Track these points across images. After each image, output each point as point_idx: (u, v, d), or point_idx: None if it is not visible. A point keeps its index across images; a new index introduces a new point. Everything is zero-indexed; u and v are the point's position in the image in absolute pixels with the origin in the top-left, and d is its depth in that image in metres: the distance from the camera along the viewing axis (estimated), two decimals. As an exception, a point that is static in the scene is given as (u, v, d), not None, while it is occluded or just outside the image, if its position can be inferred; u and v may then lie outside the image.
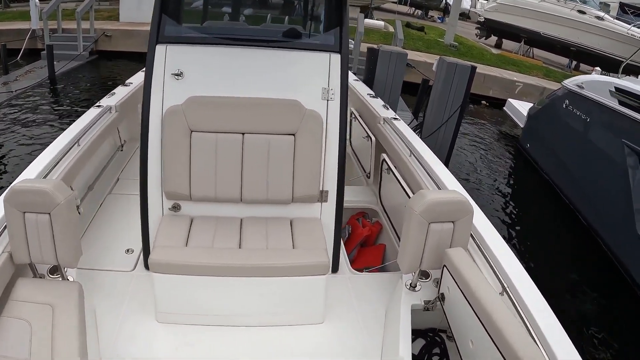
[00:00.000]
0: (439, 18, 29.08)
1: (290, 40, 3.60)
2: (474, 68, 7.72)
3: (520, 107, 11.66)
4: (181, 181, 3.29)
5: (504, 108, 12.48)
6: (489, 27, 22.10)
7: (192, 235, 3.19)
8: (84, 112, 4.58)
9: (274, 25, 5.30)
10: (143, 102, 3.29)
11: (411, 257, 2.85)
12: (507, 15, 20.33)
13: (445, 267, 2.79)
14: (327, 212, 3.55)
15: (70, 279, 2.91)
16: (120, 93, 5.24)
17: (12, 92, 10.36)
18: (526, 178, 9.86)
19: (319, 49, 3.47)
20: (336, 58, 3.45)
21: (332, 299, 3.27)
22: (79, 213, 3.97)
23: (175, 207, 3.41)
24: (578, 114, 8.24)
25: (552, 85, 14.96)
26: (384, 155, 4.47)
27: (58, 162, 3.50)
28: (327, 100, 3.44)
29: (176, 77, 3.31)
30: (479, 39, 22.45)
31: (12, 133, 8.61)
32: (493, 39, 22.31)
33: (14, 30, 13.95)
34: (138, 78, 5.78)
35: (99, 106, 4.73)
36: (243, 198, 3.37)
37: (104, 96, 5.10)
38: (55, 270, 2.90)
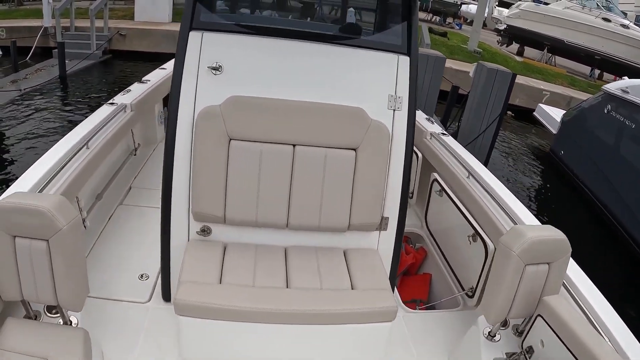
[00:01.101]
0: (456, 25, 28.58)
1: (352, 36, 3.04)
2: (514, 75, 7.20)
3: (552, 112, 11.14)
4: (214, 200, 2.71)
5: (534, 113, 11.95)
6: (510, 34, 21.52)
7: (227, 267, 2.61)
8: (93, 112, 4.07)
9: (332, 18, 4.75)
10: (170, 100, 2.71)
11: (502, 305, 2.38)
12: (530, 22, 19.79)
13: (540, 317, 2.35)
14: (385, 242, 3.01)
15: (74, 320, 2.35)
16: (136, 91, 4.67)
17: (20, 90, 9.97)
18: (559, 186, 9.37)
19: (386, 48, 2.91)
20: (405, 61, 2.90)
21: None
22: (85, 227, 3.41)
23: (205, 231, 2.84)
24: (622, 119, 7.67)
25: (579, 95, 14.51)
26: (435, 175, 3.95)
27: (63, 167, 2.94)
28: (394, 110, 2.89)
29: (213, 71, 2.73)
30: (501, 46, 21.89)
31: (18, 133, 8.18)
32: (514, 46, 21.73)
33: (26, 28, 13.60)
34: (155, 76, 5.26)
35: (112, 104, 4.18)
36: (290, 224, 2.80)
37: (118, 93, 4.58)
38: (54, 307, 2.36)
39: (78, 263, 2.10)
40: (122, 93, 4.59)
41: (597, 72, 19.10)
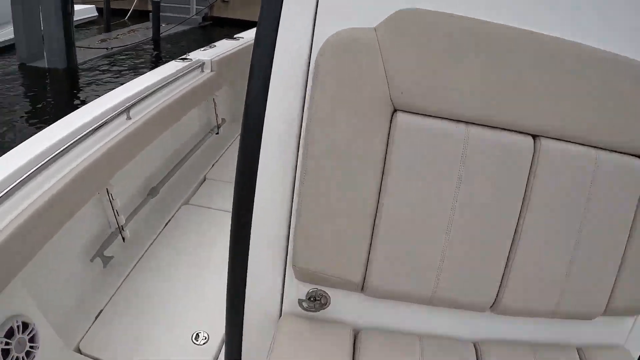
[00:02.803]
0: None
1: None
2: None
3: None
4: (344, 247, 1.14)
5: None
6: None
7: None
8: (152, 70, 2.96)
9: None
10: (258, 26, 1.18)
11: None
12: None
13: None
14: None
15: None
16: (222, 47, 3.49)
17: (107, 49, 9.04)
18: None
19: None
20: None
21: None
22: (123, 239, 2.44)
23: (316, 301, 1.27)
24: None
25: None
26: None
27: (77, 143, 1.87)
28: None
29: None
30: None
31: (92, 92, 7.08)
32: None
33: (127, -10, 13.03)
34: (252, 33, 3.80)
35: (184, 59, 3.09)
36: (499, 305, 1.24)
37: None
38: None
39: None
40: (202, 49, 3.46)
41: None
